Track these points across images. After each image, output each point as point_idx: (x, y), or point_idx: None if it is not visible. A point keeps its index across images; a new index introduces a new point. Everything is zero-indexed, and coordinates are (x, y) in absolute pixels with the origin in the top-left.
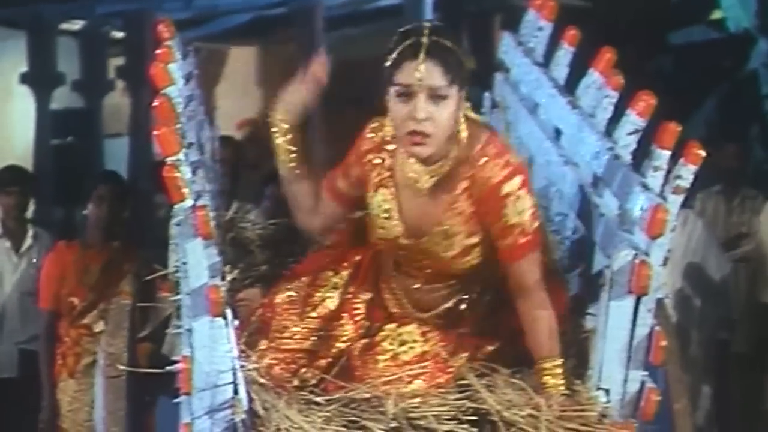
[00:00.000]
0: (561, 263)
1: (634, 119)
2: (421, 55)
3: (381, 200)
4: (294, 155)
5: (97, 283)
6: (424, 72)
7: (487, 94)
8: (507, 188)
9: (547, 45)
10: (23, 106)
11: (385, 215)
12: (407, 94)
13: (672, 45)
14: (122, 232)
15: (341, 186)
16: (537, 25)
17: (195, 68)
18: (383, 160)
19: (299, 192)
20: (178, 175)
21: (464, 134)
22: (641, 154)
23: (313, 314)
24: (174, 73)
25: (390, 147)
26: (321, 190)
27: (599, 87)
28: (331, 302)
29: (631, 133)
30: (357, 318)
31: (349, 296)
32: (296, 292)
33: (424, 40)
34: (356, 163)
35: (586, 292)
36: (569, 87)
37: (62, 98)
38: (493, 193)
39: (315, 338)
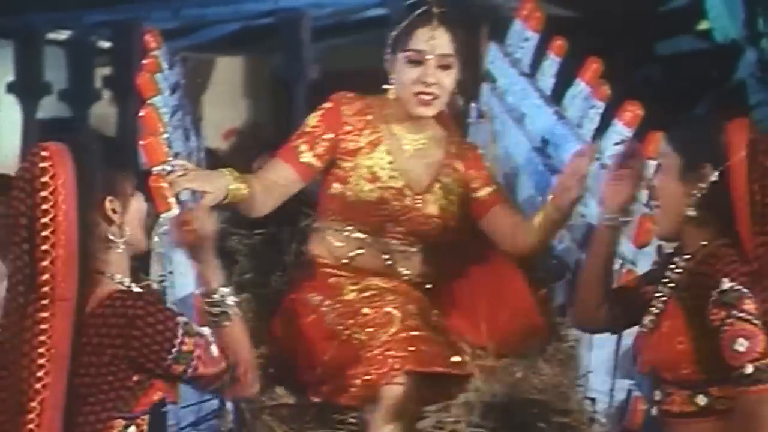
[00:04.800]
0: (548, 272)
1: (620, 129)
2: (435, 22)
3: (378, 157)
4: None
5: None
6: (437, 39)
7: (473, 105)
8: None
9: (533, 55)
10: (10, 115)
11: (384, 168)
12: (417, 60)
13: (659, 55)
14: None
15: (306, 158)
16: (524, 35)
17: (182, 78)
18: (369, 122)
19: (252, 197)
20: (164, 184)
21: (459, 104)
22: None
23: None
24: (160, 82)
25: (370, 117)
26: (273, 167)
27: (586, 97)
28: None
29: (617, 143)
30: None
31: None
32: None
33: (436, 9)
34: (331, 131)
35: (572, 301)
36: (556, 97)
37: (49, 107)
38: (474, 153)
39: None
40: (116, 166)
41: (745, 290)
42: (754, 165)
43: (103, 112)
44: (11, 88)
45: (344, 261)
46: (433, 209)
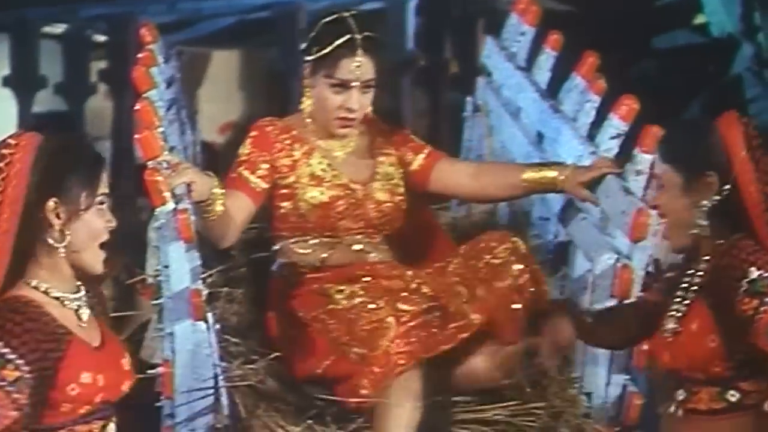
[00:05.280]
0: (543, 267)
1: (616, 123)
2: (359, 52)
3: (316, 162)
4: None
5: None
6: (362, 68)
7: (469, 99)
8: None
9: (529, 49)
10: (5, 109)
11: (325, 170)
12: (343, 89)
13: (655, 49)
14: None
15: (252, 181)
16: (519, 29)
17: (177, 72)
18: (296, 137)
19: (223, 222)
20: (159, 178)
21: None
22: (624, 158)
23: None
24: (156, 76)
25: (294, 132)
26: (234, 199)
27: (582, 91)
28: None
29: (613, 137)
30: None
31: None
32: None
33: (358, 36)
34: (265, 152)
35: (568, 296)
36: (552, 91)
37: (44, 101)
38: (400, 134)
39: None
40: (87, 175)
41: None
42: (756, 162)
43: (99, 105)
44: (7, 81)
45: (317, 265)
46: (381, 195)
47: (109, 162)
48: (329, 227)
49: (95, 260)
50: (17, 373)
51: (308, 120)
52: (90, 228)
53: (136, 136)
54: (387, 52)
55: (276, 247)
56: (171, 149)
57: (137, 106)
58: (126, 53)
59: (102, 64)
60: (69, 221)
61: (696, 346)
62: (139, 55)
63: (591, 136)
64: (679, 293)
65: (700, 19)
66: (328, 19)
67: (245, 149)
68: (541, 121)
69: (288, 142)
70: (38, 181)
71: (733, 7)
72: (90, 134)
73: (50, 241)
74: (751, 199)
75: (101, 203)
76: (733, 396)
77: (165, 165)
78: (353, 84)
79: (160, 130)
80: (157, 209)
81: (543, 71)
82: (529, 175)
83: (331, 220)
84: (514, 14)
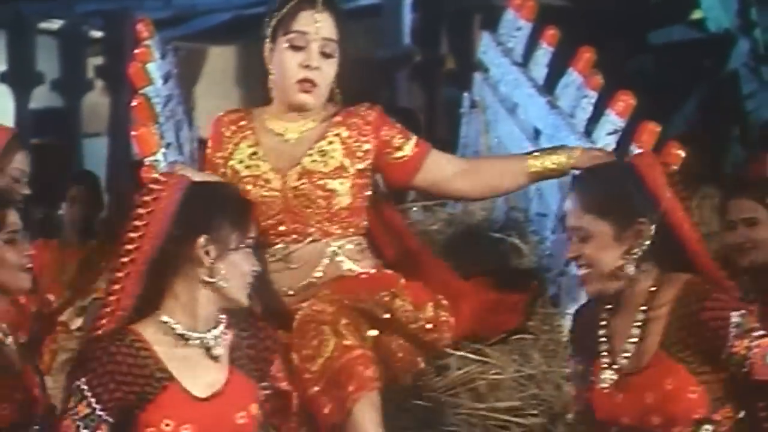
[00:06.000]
0: (540, 263)
1: (613, 119)
2: (319, 6)
3: (243, 149)
4: None
5: (74, 280)
6: (321, 23)
7: (466, 94)
8: (385, 130)
9: (526, 45)
10: (2, 105)
11: (242, 161)
12: (300, 46)
13: (652, 45)
14: (100, 231)
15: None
16: (516, 24)
17: (174, 68)
18: (241, 127)
19: None
20: (156, 175)
21: (338, 98)
22: (620, 154)
23: None
24: (153, 72)
25: (242, 123)
26: None
27: (578, 87)
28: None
29: (610, 133)
30: None
31: None
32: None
33: None
34: (217, 149)
35: (565, 292)
36: (548, 87)
37: (41, 97)
38: (376, 114)
39: None
40: (239, 217)
41: (745, 311)
42: (681, 200)
43: (96, 102)
44: (3, 78)
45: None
46: (296, 177)
47: (105, 158)
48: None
49: (241, 295)
50: (88, 410)
51: (273, 102)
52: (237, 268)
53: (132, 132)
54: (383, 47)
55: None
56: (168, 145)
57: (134, 103)
58: (122, 49)
59: (98, 60)
60: (218, 259)
61: (675, 403)
62: (136, 51)
63: (588, 131)
64: (623, 344)
65: (696, 15)
66: None
67: (208, 146)
68: (538, 117)
69: (229, 132)
70: (189, 218)
71: (729, 3)
72: (86, 130)
73: (200, 277)
74: (687, 237)
75: (248, 246)
76: (707, 430)
77: (162, 162)
78: (312, 39)
79: (157, 126)
80: None
81: (540, 67)
82: (536, 162)
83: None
84: (510, 10)
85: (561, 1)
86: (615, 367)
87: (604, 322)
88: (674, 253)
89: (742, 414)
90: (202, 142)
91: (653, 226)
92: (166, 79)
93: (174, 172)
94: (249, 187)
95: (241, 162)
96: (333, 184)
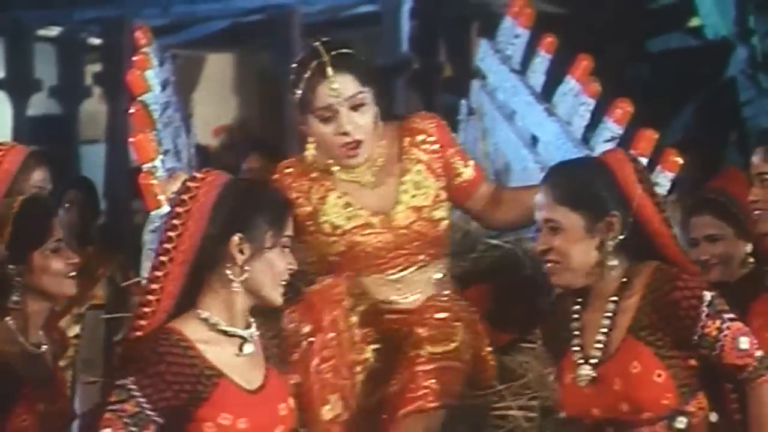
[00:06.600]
0: (539, 269)
1: (611, 126)
2: (329, 71)
3: (330, 207)
4: None
5: None
6: (339, 86)
7: (464, 101)
8: (451, 152)
9: (524, 52)
10: (0, 112)
11: (339, 214)
12: (328, 116)
13: (650, 52)
14: (97, 237)
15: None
16: (514, 32)
17: (172, 75)
18: (314, 179)
19: None
20: (154, 181)
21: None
22: None
23: None
24: (150, 80)
25: (314, 174)
26: None
27: (576, 94)
28: None
29: (608, 141)
30: None
31: None
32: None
33: (325, 58)
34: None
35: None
36: (546, 94)
37: (39, 104)
38: (443, 156)
39: None
40: (275, 216)
41: (716, 293)
42: (651, 195)
43: (93, 109)
44: (1, 85)
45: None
46: (404, 216)
47: (103, 165)
48: (359, 267)
49: (275, 295)
50: (137, 409)
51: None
52: (272, 266)
53: (130, 139)
54: (382, 55)
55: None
56: (166, 152)
57: (132, 110)
58: (120, 56)
59: (96, 68)
60: (252, 258)
61: (641, 387)
62: (134, 59)
63: (585, 139)
64: (596, 335)
65: (694, 22)
66: (298, 58)
67: None
68: (536, 124)
69: (304, 187)
70: (224, 216)
71: (727, 10)
72: (84, 137)
73: (228, 274)
74: (657, 232)
75: (285, 245)
76: (681, 423)
77: (160, 169)
78: (337, 105)
79: (155, 133)
80: (152, 212)
81: (537, 74)
82: None
83: (359, 262)
84: (508, 17)
85: (559, 9)
86: (592, 361)
87: (575, 315)
88: (644, 247)
89: (714, 418)
90: (200, 149)
91: (623, 220)
92: (164, 86)
93: (211, 170)
94: (358, 238)
95: (338, 215)
96: (437, 212)
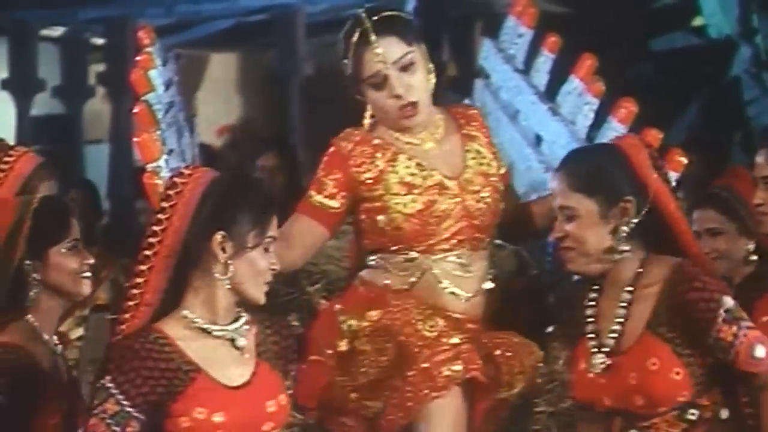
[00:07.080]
0: (544, 268)
1: (615, 126)
2: (372, 37)
3: (403, 167)
4: None
5: None
6: (384, 51)
7: (467, 101)
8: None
9: (527, 51)
10: (3, 112)
11: (414, 174)
12: (379, 82)
13: (653, 52)
14: (101, 238)
15: (317, 199)
16: (517, 31)
17: (175, 75)
18: (377, 146)
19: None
20: (158, 181)
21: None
22: None
23: None
24: (154, 79)
25: (376, 141)
26: (291, 220)
27: (580, 93)
28: None
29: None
30: None
31: None
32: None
33: (367, 24)
34: (336, 169)
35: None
36: (550, 93)
37: (43, 104)
38: (476, 120)
39: None
40: (259, 215)
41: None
42: (666, 182)
43: (97, 108)
44: (5, 85)
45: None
46: (478, 187)
47: (107, 165)
48: (429, 234)
49: (258, 293)
50: (117, 408)
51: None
52: (254, 266)
53: (134, 139)
54: None
55: (369, 261)
56: (170, 152)
57: (135, 109)
58: (124, 56)
59: (100, 67)
60: (234, 256)
61: (658, 384)
62: (138, 58)
63: (590, 138)
64: (610, 326)
65: (698, 21)
66: (343, 30)
67: (319, 170)
68: (540, 124)
69: (369, 151)
70: (208, 213)
71: (731, 9)
72: (88, 137)
73: (214, 272)
74: (673, 218)
75: (267, 246)
76: (692, 415)
77: (164, 168)
78: (386, 71)
79: (159, 132)
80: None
81: (541, 73)
82: None
83: (431, 227)
84: (511, 17)
85: (562, 8)
86: (605, 350)
87: (592, 302)
88: (659, 234)
89: (725, 415)
90: (204, 148)
91: (638, 205)
92: (167, 85)
93: (198, 167)
94: (436, 197)
95: (412, 175)
96: (499, 185)
